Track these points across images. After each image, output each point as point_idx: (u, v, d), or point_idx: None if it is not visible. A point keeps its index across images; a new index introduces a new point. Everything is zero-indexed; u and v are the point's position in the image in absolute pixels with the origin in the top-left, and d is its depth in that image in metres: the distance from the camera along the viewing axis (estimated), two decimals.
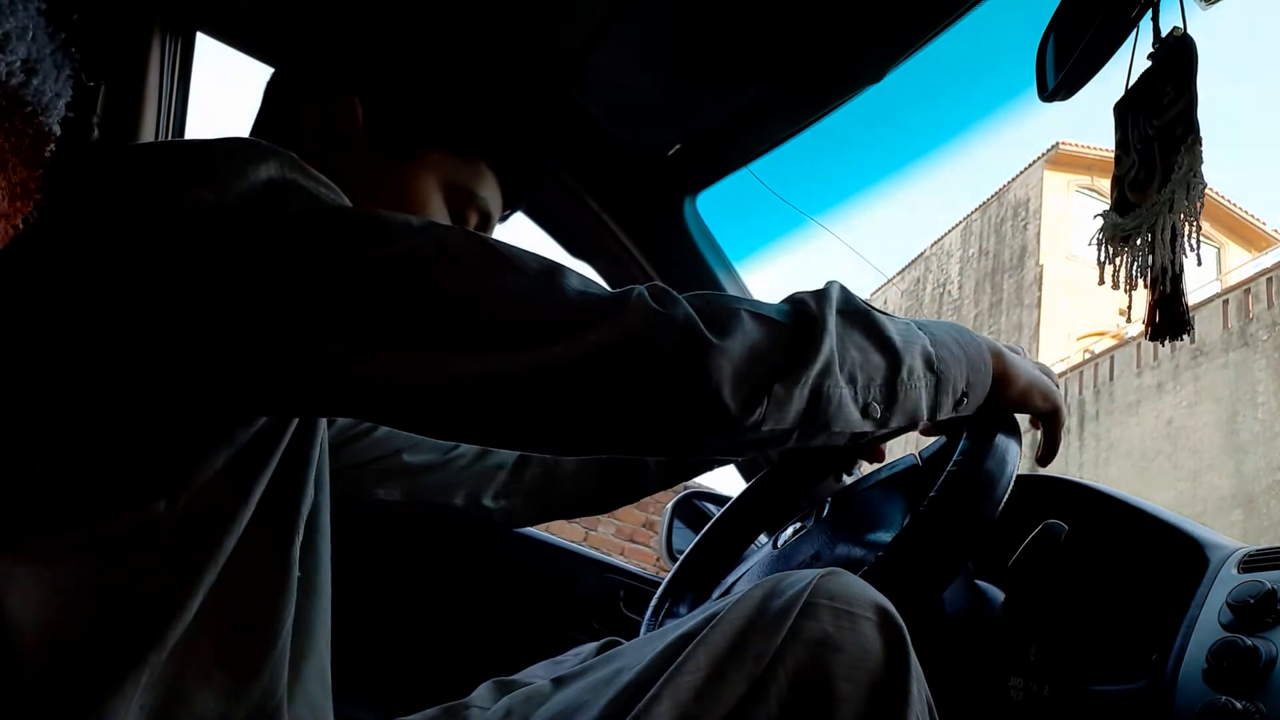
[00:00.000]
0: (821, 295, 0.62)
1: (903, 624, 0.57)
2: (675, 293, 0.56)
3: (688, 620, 0.61)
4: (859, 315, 0.62)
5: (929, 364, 0.64)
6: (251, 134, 0.76)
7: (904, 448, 0.95)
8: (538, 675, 0.86)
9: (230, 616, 0.56)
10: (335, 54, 0.77)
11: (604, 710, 0.58)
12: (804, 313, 0.59)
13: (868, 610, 0.57)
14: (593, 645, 0.94)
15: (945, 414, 0.67)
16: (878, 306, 0.65)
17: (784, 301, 0.61)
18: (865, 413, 0.61)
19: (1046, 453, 0.79)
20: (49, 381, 0.51)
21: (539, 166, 0.85)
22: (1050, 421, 0.79)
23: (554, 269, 0.56)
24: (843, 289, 0.63)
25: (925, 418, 0.65)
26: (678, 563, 1.04)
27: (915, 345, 0.64)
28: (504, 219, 0.83)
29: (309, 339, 0.50)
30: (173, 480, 0.53)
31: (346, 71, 0.75)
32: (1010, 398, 0.73)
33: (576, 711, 0.61)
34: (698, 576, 1.02)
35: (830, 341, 0.58)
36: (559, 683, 0.70)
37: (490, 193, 0.78)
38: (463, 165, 0.76)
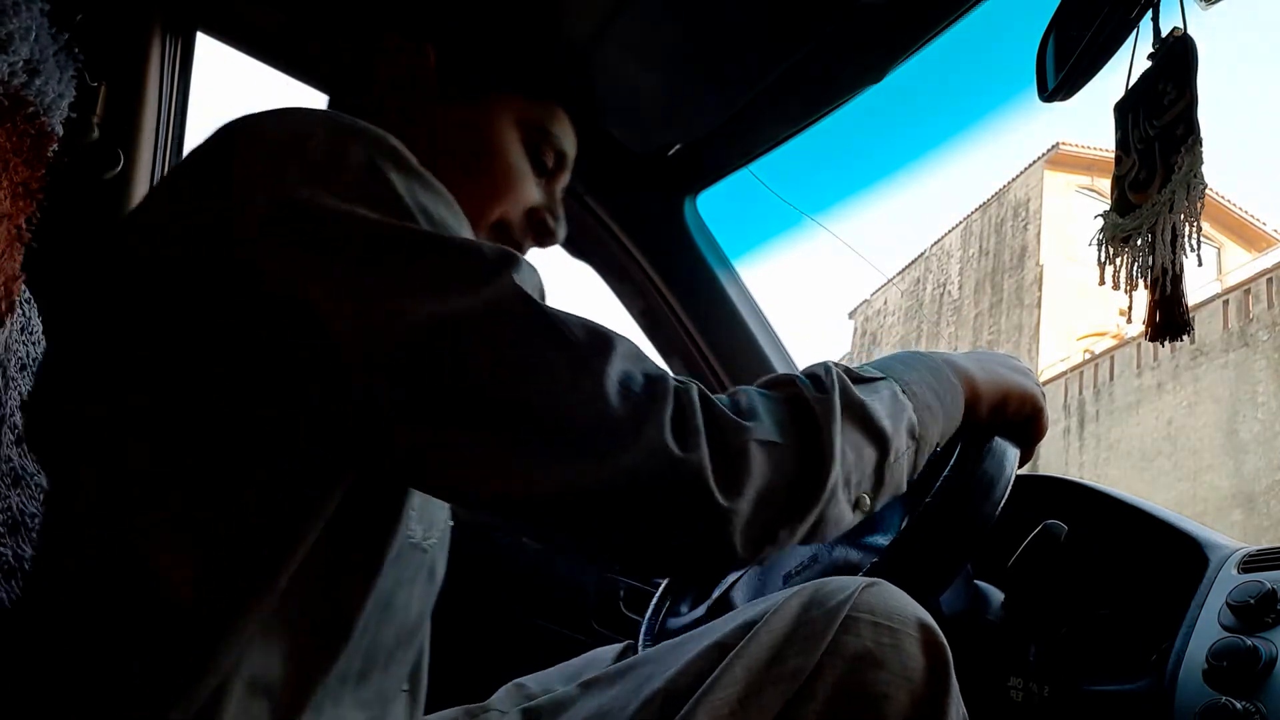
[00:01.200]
0: (826, 392, 0.58)
1: (945, 642, 0.57)
2: (697, 414, 0.53)
3: (720, 627, 0.62)
4: (856, 410, 0.59)
5: (911, 434, 0.63)
6: (329, 97, 0.78)
7: None
8: (554, 680, 0.86)
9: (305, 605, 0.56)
10: (408, 2, 0.77)
11: (634, 718, 0.58)
12: (811, 426, 0.57)
13: (911, 627, 0.57)
14: (610, 649, 0.94)
15: (920, 468, 0.67)
16: (865, 371, 0.64)
17: (787, 398, 0.58)
18: (856, 507, 0.60)
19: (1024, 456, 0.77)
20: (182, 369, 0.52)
21: (604, 109, 0.84)
22: (1033, 427, 0.75)
23: (596, 350, 0.52)
24: (842, 377, 0.60)
25: (905, 486, 0.64)
26: None
27: (902, 422, 0.62)
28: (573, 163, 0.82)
29: (342, 401, 0.50)
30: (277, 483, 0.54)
31: (420, 18, 0.75)
32: (983, 417, 0.72)
33: (605, 718, 0.62)
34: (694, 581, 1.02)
35: (836, 464, 0.56)
36: (586, 688, 0.70)
37: (564, 132, 0.78)
38: (535, 105, 0.76)
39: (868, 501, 0.60)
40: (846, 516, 0.59)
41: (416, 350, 0.49)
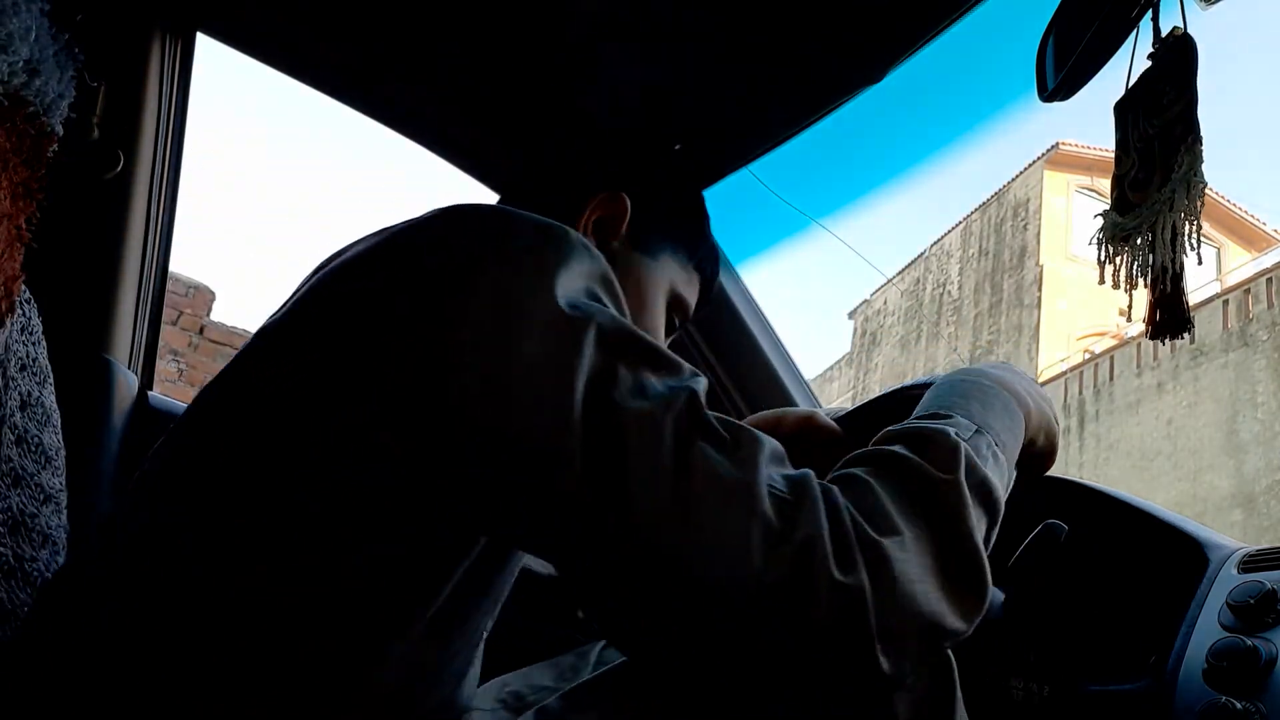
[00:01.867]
0: (953, 471, 0.55)
1: (952, 659, 0.57)
2: (849, 538, 0.50)
3: None
4: (980, 488, 0.56)
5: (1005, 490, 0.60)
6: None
7: None
8: (535, 678, 0.85)
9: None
10: (619, 155, 0.86)
11: None
12: (961, 536, 0.53)
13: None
14: (597, 645, 0.94)
15: None
16: (965, 426, 0.60)
17: (916, 498, 0.54)
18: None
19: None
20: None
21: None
22: (1047, 461, 0.74)
23: (753, 455, 0.52)
24: (969, 455, 0.56)
25: None
26: None
27: (1009, 486, 0.60)
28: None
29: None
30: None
31: (627, 175, 0.83)
32: (1032, 455, 0.70)
33: None
34: None
35: (986, 570, 0.53)
36: (569, 699, 0.70)
37: (694, 299, 0.86)
38: (684, 273, 0.84)
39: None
40: (984, 603, 0.55)
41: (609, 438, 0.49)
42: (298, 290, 0.63)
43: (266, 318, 0.62)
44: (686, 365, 0.54)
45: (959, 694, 0.57)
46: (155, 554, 0.53)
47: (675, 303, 0.83)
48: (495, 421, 0.49)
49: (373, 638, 0.54)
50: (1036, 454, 0.72)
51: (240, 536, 0.52)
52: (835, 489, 0.52)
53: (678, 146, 1.19)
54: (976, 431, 0.60)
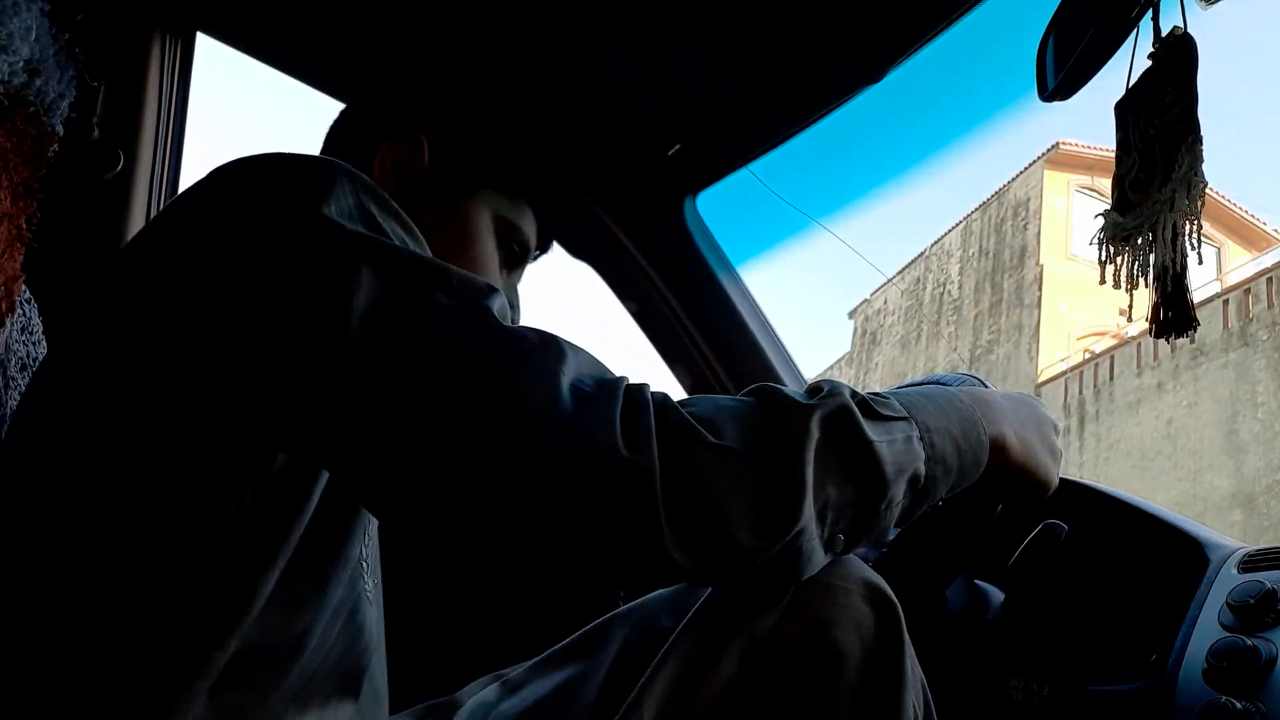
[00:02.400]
0: (809, 410, 0.54)
1: (894, 599, 0.59)
2: (648, 412, 0.50)
3: (678, 597, 0.64)
4: (854, 444, 0.55)
5: (914, 485, 0.58)
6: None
7: None
8: (526, 671, 0.86)
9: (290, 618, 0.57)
10: (409, 97, 0.84)
11: (601, 684, 0.60)
12: (782, 440, 0.52)
13: (857, 585, 0.58)
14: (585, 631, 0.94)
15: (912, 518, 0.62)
16: (888, 404, 0.58)
17: (762, 406, 0.54)
18: (829, 546, 0.55)
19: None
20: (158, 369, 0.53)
21: (569, 208, 0.89)
22: (1032, 504, 0.71)
23: (550, 356, 0.51)
24: (846, 405, 0.55)
25: (889, 535, 0.61)
26: None
27: (906, 471, 0.57)
28: (534, 259, 0.88)
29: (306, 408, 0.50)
30: (245, 478, 0.54)
31: (418, 114, 0.81)
32: (996, 486, 0.68)
33: (572, 685, 0.64)
34: None
35: (807, 490, 0.52)
36: (547, 662, 0.72)
37: (530, 228, 0.84)
38: (509, 202, 0.82)
39: (841, 542, 0.56)
40: (816, 555, 0.54)
41: (376, 359, 0.49)
42: None
43: None
44: (479, 280, 0.54)
45: (906, 640, 0.58)
46: (5, 537, 0.54)
47: (508, 232, 0.81)
48: (271, 367, 0.50)
49: (233, 584, 0.54)
50: (1011, 471, 0.67)
51: (68, 503, 0.53)
52: (664, 395, 0.52)
53: (678, 146, 1.19)
54: (903, 419, 0.58)
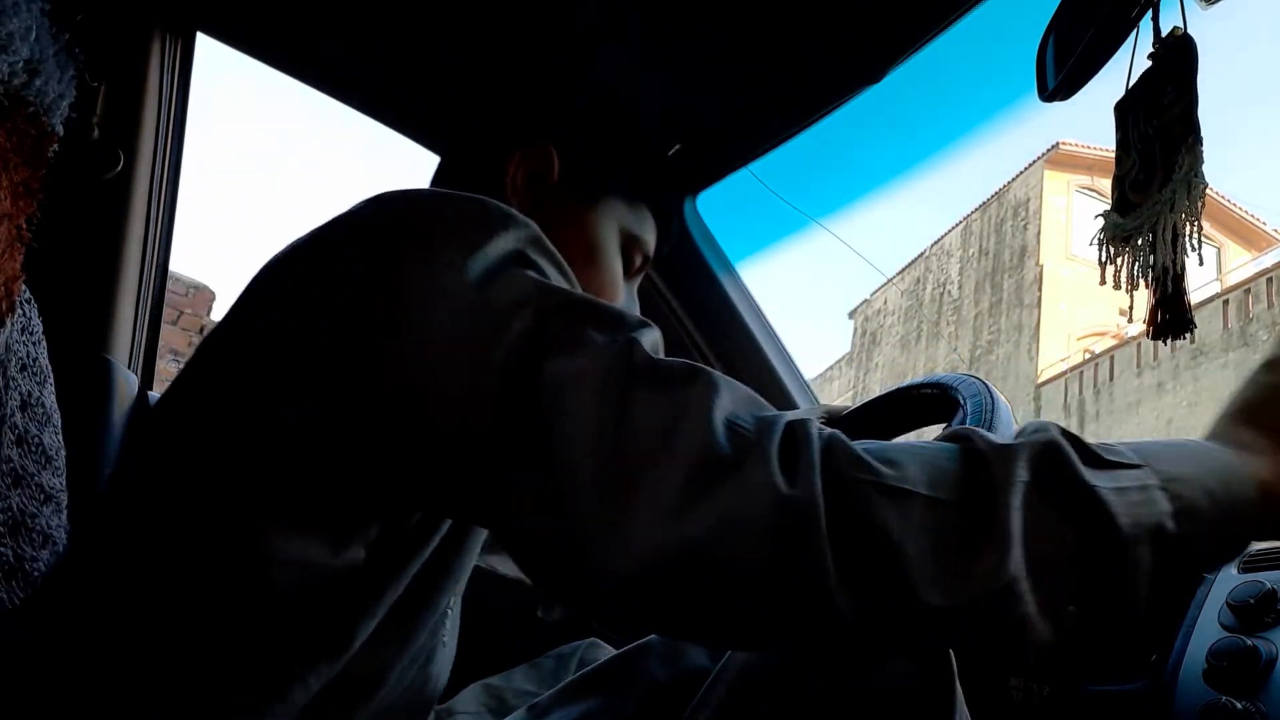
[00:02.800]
0: (1013, 456, 0.46)
1: (951, 658, 0.55)
2: (813, 447, 0.45)
3: None
4: (1063, 482, 0.46)
5: (1161, 544, 0.46)
6: (445, 183, 0.80)
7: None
8: (517, 681, 0.86)
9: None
10: (539, 108, 0.83)
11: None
12: (981, 486, 0.45)
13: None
14: (574, 646, 0.94)
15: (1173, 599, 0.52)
16: (1115, 452, 0.48)
17: (958, 451, 0.47)
18: (1053, 621, 0.44)
19: None
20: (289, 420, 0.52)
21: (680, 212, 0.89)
22: None
23: (700, 390, 0.48)
24: (1056, 443, 0.47)
25: (1144, 619, 0.47)
26: None
27: (1145, 524, 0.46)
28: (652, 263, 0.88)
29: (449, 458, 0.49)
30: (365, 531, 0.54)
31: (548, 124, 0.80)
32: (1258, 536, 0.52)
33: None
34: None
35: (1014, 543, 0.43)
36: (564, 695, 0.71)
37: (652, 237, 0.84)
38: (632, 211, 0.81)
39: (1072, 619, 0.45)
40: (1037, 629, 0.44)
41: (529, 401, 0.47)
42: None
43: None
44: (632, 316, 0.52)
45: (959, 693, 0.55)
46: (119, 558, 0.54)
47: (630, 244, 0.81)
48: (420, 404, 0.49)
49: (340, 625, 0.54)
50: None
51: (197, 535, 0.52)
52: (835, 432, 0.47)
53: (678, 146, 1.19)
54: (1135, 466, 0.48)
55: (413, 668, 0.62)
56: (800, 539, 0.42)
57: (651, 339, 0.51)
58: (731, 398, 0.48)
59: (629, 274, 0.82)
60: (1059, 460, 0.46)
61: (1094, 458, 0.47)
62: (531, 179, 0.77)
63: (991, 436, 0.48)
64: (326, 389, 0.51)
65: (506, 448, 0.47)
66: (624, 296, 0.80)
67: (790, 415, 0.48)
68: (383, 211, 0.56)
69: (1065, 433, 0.48)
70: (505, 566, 1.01)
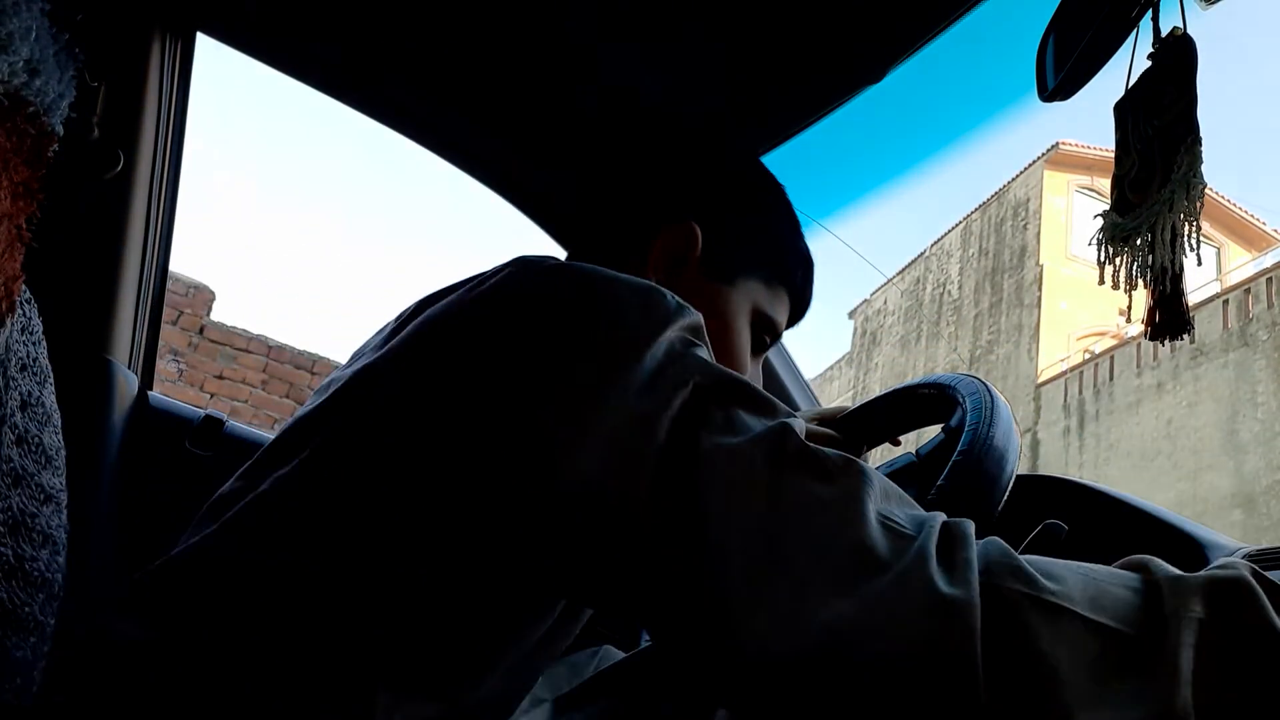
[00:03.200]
0: (1182, 583, 0.44)
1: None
2: (970, 547, 0.44)
3: None
4: (1251, 624, 0.42)
5: None
6: (586, 253, 0.80)
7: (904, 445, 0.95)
8: (535, 687, 0.86)
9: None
10: (687, 184, 0.82)
11: None
12: (1152, 614, 0.43)
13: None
14: (588, 654, 0.94)
15: None
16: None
17: (1119, 579, 0.45)
18: None
19: None
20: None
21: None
22: None
23: (854, 482, 0.48)
24: (1238, 579, 0.43)
25: None
26: None
27: None
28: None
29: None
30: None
31: (694, 201, 0.80)
32: None
33: None
34: None
35: (1181, 693, 0.39)
36: (561, 708, 0.71)
37: (783, 319, 0.83)
38: (767, 291, 0.81)
39: None
40: None
41: (680, 487, 0.47)
42: (393, 333, 0.64)
43: (362, 356, 0.65)
44: (781, 404, 0.53)
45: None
46: (241, 581, 0.54)
47: (761, 323, 0.81)
48: (584, 481, 0.48)
49: (452, 685, 0.56)
50: None
51: (337, 568, 0.53)
52: (997, 539, 0.45)
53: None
54: None
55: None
56: (955, 638, 0.40)
57: (800, 425, 0.51)
58: (884, 492, 0.48)
59: (756, 353, 0.82)
60: (1250, 601, 0.42)
61: None
62: (673, 260, 0.76)
63: (1170, 568, 0.45)
64: (489, 450, 0.51)
65: (659, 524, 0.46)
66: (750, 374, 0.80)
67: (944, 517, 0.47)
68: (563, 284, 0.56)
69: (1257, 573, 0.44)
70: None
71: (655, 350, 0.52)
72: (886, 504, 0.47)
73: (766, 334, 0.82)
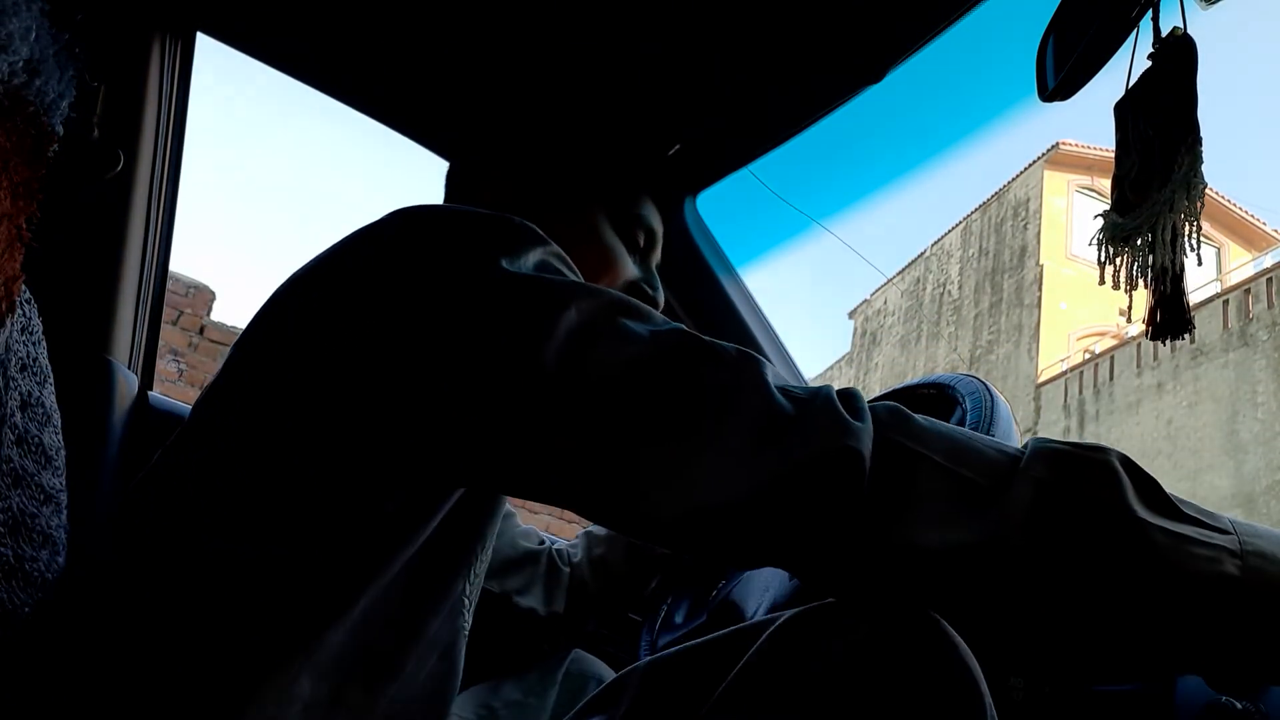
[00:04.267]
0: (1045, 447, 0.49)
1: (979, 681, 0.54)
2: (861, 399, 0.52)
3: (713, 650, 0.61)
4: (1099, 497, 0.47)
5: (1222, 601, 0.45)
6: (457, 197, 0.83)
7: None
8: (505, 691, 0.86)
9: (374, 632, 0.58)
10: (503, 140, 0.86)
11: None
12: (992, 469, 0.48)
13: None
14: (558, 659, 0.94)
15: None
16: (1202, 512, 0.48)
17: (980, 441, 0.51)
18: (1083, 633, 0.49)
19: None
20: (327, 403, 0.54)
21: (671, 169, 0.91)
22: None
23: (749, 364, 0.54)
24: (1104, 461, 0.49)
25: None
26: (674, 568, 1.04)
27: (1205, 578, 0.45)
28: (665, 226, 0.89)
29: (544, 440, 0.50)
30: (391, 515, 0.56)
31: (516, 153, 0.83)
32: None
33: None
34: (695, 582, 1.02)
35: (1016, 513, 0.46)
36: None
37: (651, 211, 0.85)
38: (621, 200, 0.83)
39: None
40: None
41: (607, 384, 0.50)
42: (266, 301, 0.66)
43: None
44: (658, 313, 0.57)
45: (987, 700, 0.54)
46: (152, 550, 0.56)
47: (626, 224, 0.82)
48: (470, 404, 0.50)
49: (346, 586, 0.55)
50: None
51: (229, 509, 0.54)
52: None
53: (678, 146, 1.19)
54: (1212, 525, 0.47)
55: (432, 654, 0.62)
56: (856, 448, 0.47)
57: (688, 328, 0.56)
58: (776, 373, 0.53)
59: (635, 251, 0.83)
60: (1110, 481, 0.48)
61: (1164, 504, 0.48)
62: (503, 198, 0.79)
63: (1064, 443, 0.50)
64: (369, 393, 0.53)
65: (558, 420, 0.49)
66: (635, 272, 0.81)
67: (846, 391, 0.52)
68: (417, 224, 0.57)
69: (1131, 464, 0.49)
70: (524, 598, 1.01)
71: (522, 268, 0.54)
72: (783, 380, 0.52)
73: (637, 231, 0.83)
